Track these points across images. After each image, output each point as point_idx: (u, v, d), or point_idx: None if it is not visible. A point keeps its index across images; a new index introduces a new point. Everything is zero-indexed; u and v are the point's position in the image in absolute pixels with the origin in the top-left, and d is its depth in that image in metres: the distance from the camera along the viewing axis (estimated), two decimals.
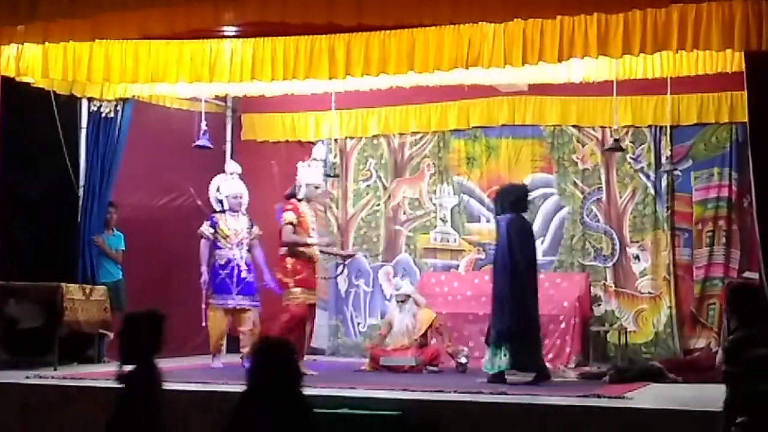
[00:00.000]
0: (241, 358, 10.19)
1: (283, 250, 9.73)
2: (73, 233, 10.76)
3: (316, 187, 10.10)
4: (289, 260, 9.70)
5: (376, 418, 7.07)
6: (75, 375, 8.89)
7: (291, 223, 9.65)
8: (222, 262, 10.37)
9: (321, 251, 10.06)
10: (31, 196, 10.27)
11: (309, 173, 10.05)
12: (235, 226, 10.53)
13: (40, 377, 8.60)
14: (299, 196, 9.93)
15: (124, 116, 11.03)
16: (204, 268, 10.37)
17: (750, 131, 7.88)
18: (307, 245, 9.73)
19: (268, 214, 10.98)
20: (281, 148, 12.80)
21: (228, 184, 10.68)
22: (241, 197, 10.60)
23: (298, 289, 9.62)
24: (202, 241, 10.43)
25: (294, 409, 4.73)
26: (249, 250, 10.57)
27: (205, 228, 10.44)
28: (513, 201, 9.03)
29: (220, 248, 10.39)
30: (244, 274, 10.44)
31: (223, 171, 10.96)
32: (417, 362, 9.96)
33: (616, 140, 9.99)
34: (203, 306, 10.39)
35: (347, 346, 12.28)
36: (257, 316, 10.53)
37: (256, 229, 10.67)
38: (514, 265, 8.74)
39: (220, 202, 10.69)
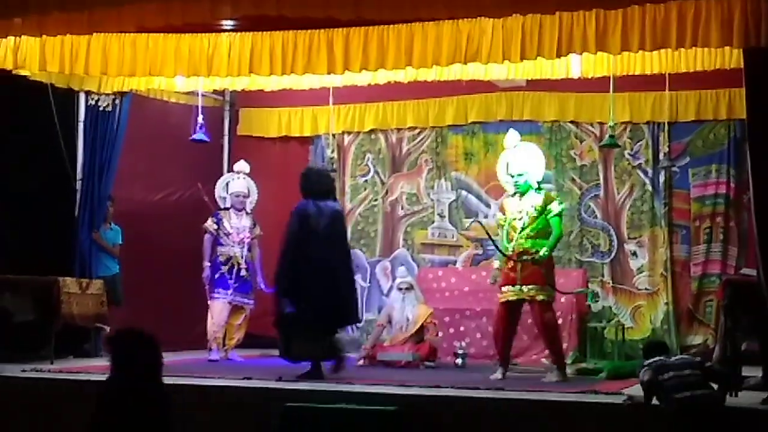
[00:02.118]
0: (225, 351, 10.63)
1: None
2: (70, 227, 10.75)
3: (244, 196, 10.70)
4: None
5: (373, 414, 7.07)
6: (71, 369, 8.90)
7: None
8: (223, 259, 10.45)
9: None
10: (28, 189, 10.26)
11: (236, 184, 10.67)
12: (238, 224, 10.64)
13: (37, 371, 8.60)
14: (226, 205, 10.64)
15: (121, 110, 11.02)
16: (206, 264, 10.48)
17: (748, 128, 7.85)
18: None
19: (261, 212, 11.01)
20: (277, 144, 12.80)
21: (234, 183, 10.75)
22: (245, 196, 10.67)
23: None
24: (206, 236, 10.54)
25: (152, 399, 4.95)
26: (249, 250, 10.63)
27: (210, 223, 10.57)
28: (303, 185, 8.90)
29: (221, 245, 10.50)
30: (242, 272, 10.55)
31: (232, 169, 11.03)
32: (414, 358, 9.95)
33: (611, 136, 9.95)
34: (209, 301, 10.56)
35: (345, 341, 12.22)
36: (248, 312, 10.75)
37: (257, 230, 10.78)
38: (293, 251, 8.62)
39: (224, 199, 10.77)
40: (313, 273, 8.40)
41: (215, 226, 10.55)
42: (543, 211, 8.85)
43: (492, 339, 10.82)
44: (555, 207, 8.89)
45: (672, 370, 6.45)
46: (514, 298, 8.92)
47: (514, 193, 9.11)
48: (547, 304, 8.85)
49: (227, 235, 10.50)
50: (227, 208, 10.75)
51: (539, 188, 9.05)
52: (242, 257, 10.55)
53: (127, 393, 4.97)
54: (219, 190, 10.98)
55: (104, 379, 5.20)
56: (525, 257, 8.81)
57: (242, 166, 10.89)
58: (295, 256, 8.53)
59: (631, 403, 6.84)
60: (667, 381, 6.41)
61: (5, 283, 9.53)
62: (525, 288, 8.84)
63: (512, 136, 9.32)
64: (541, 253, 8.74)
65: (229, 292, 10.44)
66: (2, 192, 9.80)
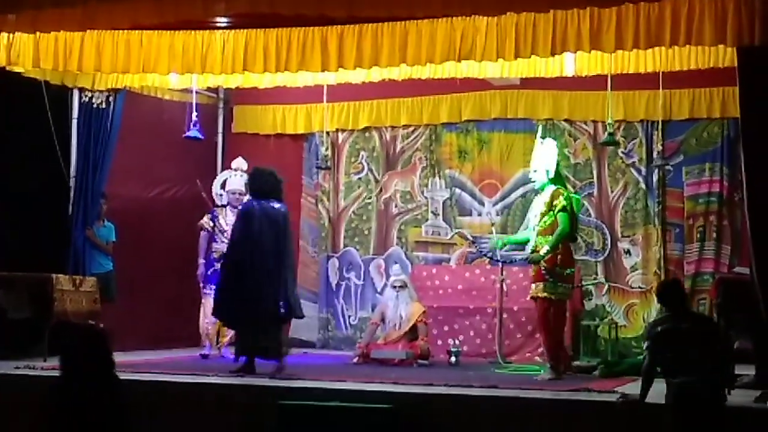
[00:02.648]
0: (218, 348, 10.63)
1: None
2: (63, 224, 10.74)
3: (240, 194, 10.55)
4: None
5: (367, 412, 7.07)
6: None
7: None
8: (217, 256, 10.43)
9: None
10: (22, 186, 10.25)
11: (234, 181, 10.64)
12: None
13: (30, 368, 8.59)
14: (222, 202, 10.66)
15: (115, 107, 11.01)
16: (201, 261, 10.49)
17: (742, 126, 7.86)
18: None
19: None
20: (271, 141, 12.80)
21: (231, 180, 10.74)
22: (242, 194, 10.65)
23: None
24: (202, 233, 10.56)
25: (106, 393, 4.96)
26: None
27: (206, 221, 10.60)
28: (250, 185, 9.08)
29: (217, 242, 10.50)
30: None
31: (230, 166, 11.01)
32: (408, 356, 9.95)
33: (610, 134, 9.96)
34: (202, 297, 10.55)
35: (338, 339, 12.28)
36: None
37: None
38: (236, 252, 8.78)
39: (221, 196, 10.77)
40: (252, 271, 8.52)
41: (211, 224, 10.56)
42: (550, 207, 8.83)
43: (485, 337, 10.89)
44: (559, 201, 8.78)
45: (676, 344, 6.40)
46: (530, 296, 9.04)
47: (538, 190, 9.18)
48: (548, 302, 8.75)
49: (222, 232, 10.48)
50: (224, 206, 10.74)
51: (554, 184, 8.97)
52: None
53: (73, 389, 4.96)
54: (216, 187, 10.99)
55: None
56: (533, 255, 8.84)
57: (240, 163, 10.88)
58: (237, 255, 8.67)
59: (625, 401, 6.84)
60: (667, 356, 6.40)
61: None
62: (533, 285, 8.89)
63: (539, 130, 9.59)
64: (541, 252, 8.72)
65: None
66: None
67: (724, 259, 11.08)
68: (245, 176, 10.77)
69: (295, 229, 12.37)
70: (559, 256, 8.74)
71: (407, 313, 10.36)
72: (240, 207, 8.95)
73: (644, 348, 6.68)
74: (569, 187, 11.45)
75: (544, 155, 9.04)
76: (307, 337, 12.05)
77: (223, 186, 10.89)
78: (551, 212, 8.79)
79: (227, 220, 10.54)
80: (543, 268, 8.71)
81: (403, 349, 10.08)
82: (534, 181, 9.20)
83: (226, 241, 10.41)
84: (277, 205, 8.85)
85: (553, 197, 8.83)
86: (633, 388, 7.76)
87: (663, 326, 6.45)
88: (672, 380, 6.28)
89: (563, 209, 8.75)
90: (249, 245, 8.62)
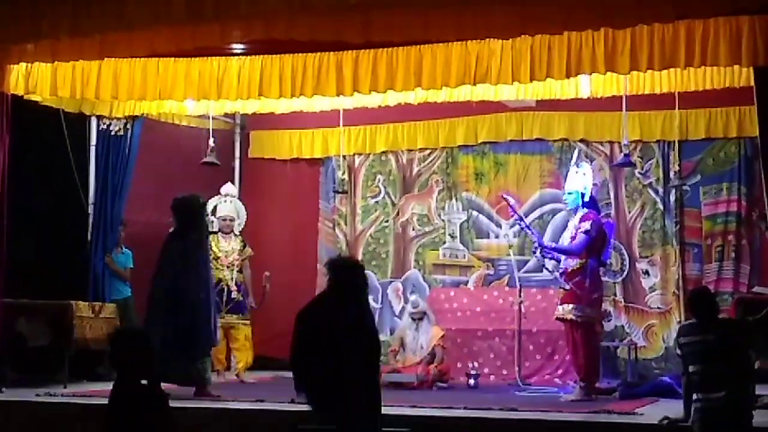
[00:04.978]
0: (237, 375, 10.65)
1: None
2: (82, 251, 10.79)
3: (230, 219, 10.73)
4: None
5: None
6: (85, 393, 8.90)
7: None
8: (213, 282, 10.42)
9: None
10: (41, 214, 10.29)
11: (224, 207, 10.77)
12: (226, 247, 10.70)
13: (50, 395, 8.61)
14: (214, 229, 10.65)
15: (133, 134, 11.08)
16: None
17: (762, 145, 7.85)
18: None
19: (272, 233, 11.02)
20: (288, 166, 12.84)
21: (222, 207, 10.79)
22: (232, 220, 10.71)
23: None
24: None
25: (151, 399, 5.08)
26: (240, 271, 10.64)
27: None
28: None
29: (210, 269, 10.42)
30: (233, 295, 10.60)
31: (219, 193, 11.02)
32: (418, 379, 9.92)
33: (626, 155, 9.97)
34: None
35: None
36: (248, 333, 10.76)
37: (248, 250, 10.79)
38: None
39: (212, 223, 10.78)
40: (167, 302, 8.66)
41: None
42: (578, 229, 8.93)
43: (505, 359, 10.87)
44: (584, 225, 8.95)
45: (702, 358, 6.30)
46: (556, 317, 9.19)
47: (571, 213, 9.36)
48: (576, 324, 8.86)
49: (216, 259, 10.50)
50: (215, 232, 10.75)
51: (588, 208, 9.13)
52: (232, 279, 10.59)
53: (126, 393, 5.11)
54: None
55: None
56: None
57: (229, 189, 10.97)
58: (156, 285, 8.87)
59: (670, 421, 6.71)
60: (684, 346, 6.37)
61: (20, 308, 9.54)
62: (559, 307, 9.05)
63: (575, 154, 9.75)
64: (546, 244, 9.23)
65: (221, 315, 10.37)
66: (16, 216, 9.82)
67: (743, 278, 11.03)
68: (236, 201, 10.86)
69: (313, 252, 12.43)
70: (587, 280, 8.79)
71: (427, 340, 10.37)
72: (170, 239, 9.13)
73: (678, 357, 6.59)
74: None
75: (580, 179, 9.18)
76: None
77: (213, 212, 10.89)
78: (578, 234, 8.95)
79: (220, 246, 10.61)
80: (570, 290, 8.78)
81: (422, 371, 10.06)
82: (567, 203, 9.37)
83: (221, 267, 10.53)
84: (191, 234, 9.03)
85: (582, 220, 8.98)
86: (653, 409, 7.75)
87: (687, 338, 6.39)
88: (699, 396, 6.20)
89: (586, 232, 8.89)
90: (163, 275, 8.92)
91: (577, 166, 9.31)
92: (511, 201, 9.90)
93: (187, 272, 8.74)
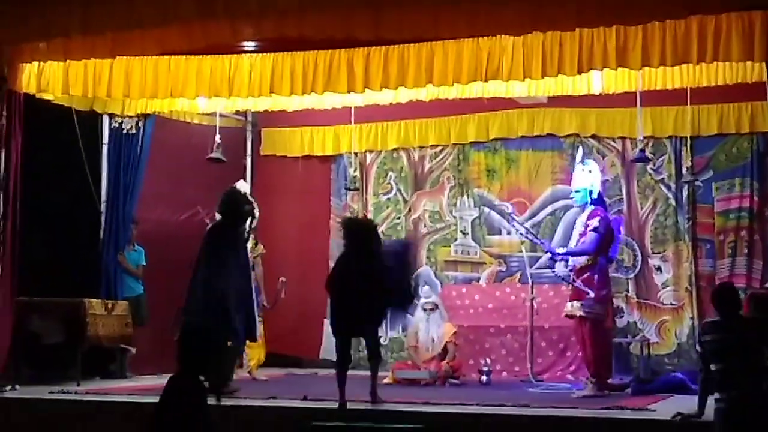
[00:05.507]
0: (249, 372, 10.63)
1: None
2: (95, 249, 10.82)
3: None
4: None
5: None
6: (98, 390, 8.94)
7: None
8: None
9: None
10: (54, 212, 10.33)
11: None
12: None
13: (64, 392, 8.64)
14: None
15: (145, 132, 11.11)
16: None
17: None
18: None
19: (284, 231, 11.01)
20: (299, 163, 12.85)
21: None
22: None
23: None
24: None
25: (195, 393, 5.23)
26: (252, 268, 10.62)
27: None
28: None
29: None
30: None
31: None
32: (430, 376, 9.93)
33: (641, 151, 9.97)
34: None
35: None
36: (261, 330, 10.62)
37: (260, 248, 10.75)
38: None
39: None
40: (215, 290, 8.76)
41: None
42: (586, 227, 8.96)
43: (517, 355, 10.88)
44: (593, 222, 8.98)
45: (724, 356, 6.24)
46: (565, 314, 9.24)
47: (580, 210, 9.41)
48: (584, 320, 8.90)
49: None
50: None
51: (596, 205, 9.17)
52: None
53: (179, 386, 5.25)
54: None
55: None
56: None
57: (242, 186, 10.92)
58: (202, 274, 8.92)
59: (684, 417, 6.69)
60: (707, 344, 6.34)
61: (33, 306, 9.59)
62: (568, 304, 9.09)
63: (579, 152, 9.73)
64: (560, 252, 9.19)
65: None
66: (29, 215, 9.87)
67: (756, 274, 11.00)
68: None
69: (325, 249, 12.43)
70: (595, 276, 8.81)
71: (439, 334, 10.36)
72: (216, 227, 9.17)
73: (698, 354, 6.55)
74: None
75: (586, 177, 9.21)
76: None
77: None
78: (587, 233, 8.97)
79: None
80: (579, 287, 8.80)
81: (435, 368, 10.07)
82: (575, 200, 9.44)
83: None
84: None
85: (590, 218, 8.99)
86: (666, 405, 7.74)
87: (711, 336, 6.33)
88: (721, 395, 6.13)
89: (594, 230, 8.91)
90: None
91: (583, 164, 9.33)
92: (518, 223, 10.04)
93: (237, 262, 8.83)
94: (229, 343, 8.77)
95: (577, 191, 9.29)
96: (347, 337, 8.27)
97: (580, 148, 10.15)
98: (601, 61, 8.23)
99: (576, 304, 8.92)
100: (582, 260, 8.96)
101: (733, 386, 6.08)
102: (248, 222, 9.31)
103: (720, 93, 10.15)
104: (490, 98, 10.43)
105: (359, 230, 8.49)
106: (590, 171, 9.24)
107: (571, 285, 9.08)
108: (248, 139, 13.02)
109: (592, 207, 9.09)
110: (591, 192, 9.16)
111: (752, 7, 7.67)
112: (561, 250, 9.27)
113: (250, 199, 9.41)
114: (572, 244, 9.24)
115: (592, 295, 8.80)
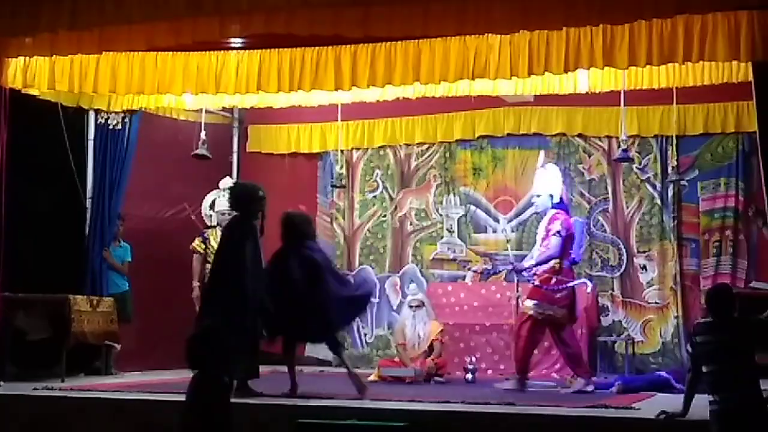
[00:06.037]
0: None
1: None
2: (80, 245, 10.78)
3: (229, 214, 10.11)
4: None
5: (384, 429, 7.06)
6: (82, 387, 8.90)
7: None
8: None
9: None
10: (39, 208, 10.29)
11: (222, 202, 10.39)
12: None
13: (48, 389, 8.61)
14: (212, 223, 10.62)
15: (131, 128, 11.07)
16: (195, 284, 10.44)
17: (760, 140, 7.85)
18: None
19: (270, 228, 10.95)
20: (286, 160, 12.83)
21: (220, 201, 10.75)
22: (229, 214, 10.63)
23: None
24: (195, 256, 10.55)
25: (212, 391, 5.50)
26: None
27: (197, 243, 10.59)
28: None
29: (209, 263, 10.39)
30: None
31: (217, 187, 11.00)
32: (416, 373, 9.94)
33: (624, 150, 10.00)
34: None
35: (354, 357, 12.22)
36: None
37: None
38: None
39: (210, 217, 10.74)
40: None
41: (203, 246, 10.52)
42: (548, 231, 9.00)
43: (503, 353, 10.91)
44: (554, 226, 9.04)
45: (716, 357, 6.21)
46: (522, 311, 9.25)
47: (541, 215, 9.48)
48: (531, 319, 9.01)
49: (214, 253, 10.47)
50: (213, 226, 10.73)
51: (557, 208, 9.20)
52: None
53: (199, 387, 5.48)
54: (205, 208, 10.99)
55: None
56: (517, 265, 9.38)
57: (228, 183, 10.92)
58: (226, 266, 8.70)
59: (667, 416, 6.70)
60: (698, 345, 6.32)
61: (18, 302, 9.55)
62: (526, 301, 9.15)
63: (540, 156, 9.77)
64: (525, 263, 9.25)
65: None
66: (14, 211, 9.83)
67: (740, 274, 11.05)
68: None
69: None
70: (554, 278, 8.93)
71: (425, 332, 10.37)
72: (234, 223, 8.91)
73: (688, 354, 6.53)
74: (583, 203, 11.53)
75: (548, 181, 9.27)
76: (324, 356, 12.02)
77: (212, 207, 10.87)
78: (549, 237, 9.04)
79: (218, 240, 10.52)
80: (536, 286, 8.96)
81: (421, 366, 10.07)
82: (536, 205, 9.51)
83: None
84: None
85: (551, 222, 9.07)
86: (651, 403, 7.75)
87: (704, 337, 6.29)
88: (714, 397, 6.09)
89: (557, 233, 8.98)
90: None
91: (544, 168, 9.37)
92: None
93: (255, 258, 8.63)
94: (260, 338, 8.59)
95: (538, 195, 9.36)
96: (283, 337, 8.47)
97: (542, 152, 10.15)
98: (588, 60, 8.24)
99: (529, 303, 9.02)
100: (549, 264, 9.01)
101: (727, 388, 6.07)
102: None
103: (706, 93, 10.19)
104: (477, 96, 10.44)
105: (293, 225, 8.76)
106: (551, 175, 9.28)
107: (528, 281, 9.20)
108: (235, 135, 13.00)
109: (554, 211, 9.13)
110: (552, 196, 9.20)
111: (738, 7, 7.70)
112: (528, 263, 9.25)
113: (258, 186, 9.26)
114: (535, 249, 9.28)
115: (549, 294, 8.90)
